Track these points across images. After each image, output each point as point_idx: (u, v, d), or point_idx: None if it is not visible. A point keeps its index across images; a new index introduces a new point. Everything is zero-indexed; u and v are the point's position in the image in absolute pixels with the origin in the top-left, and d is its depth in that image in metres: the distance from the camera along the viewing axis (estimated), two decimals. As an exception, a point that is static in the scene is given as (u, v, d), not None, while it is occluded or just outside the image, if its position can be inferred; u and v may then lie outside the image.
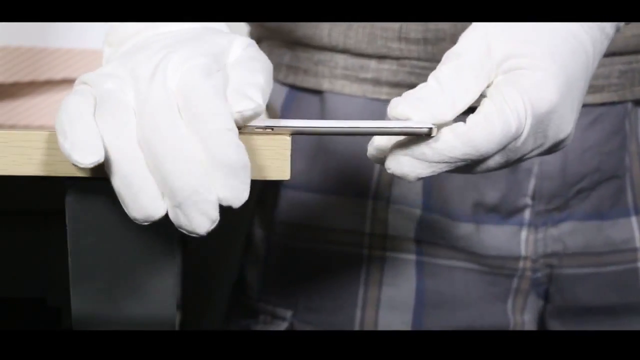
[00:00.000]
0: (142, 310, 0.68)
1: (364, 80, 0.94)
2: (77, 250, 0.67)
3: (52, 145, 0.63)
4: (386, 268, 0.95)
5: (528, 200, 0.95)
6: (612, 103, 0.94)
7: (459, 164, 0.67)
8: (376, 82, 0.94)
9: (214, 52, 0.65)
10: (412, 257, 0.96)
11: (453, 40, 0.77)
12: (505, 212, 0.95)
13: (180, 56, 0.63)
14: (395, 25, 0.92)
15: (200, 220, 0.59)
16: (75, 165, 0.59)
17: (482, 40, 0.68)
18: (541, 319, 0.97)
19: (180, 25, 0.70)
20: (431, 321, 0.95)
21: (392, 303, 0.95)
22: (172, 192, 0.59)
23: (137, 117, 0.61)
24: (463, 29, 0.71)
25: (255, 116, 0.62)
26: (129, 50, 0.68)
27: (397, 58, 0.93)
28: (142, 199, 0.60)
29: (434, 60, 0.89)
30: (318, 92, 0.97)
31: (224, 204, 0.60)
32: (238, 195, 0.60)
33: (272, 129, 0.64)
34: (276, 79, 0.98)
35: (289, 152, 0.63)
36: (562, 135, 0.70)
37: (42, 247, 0.77)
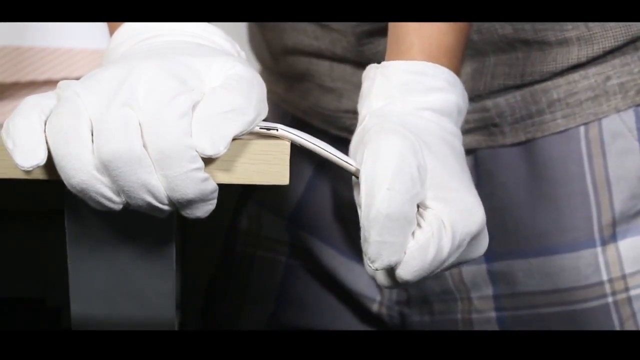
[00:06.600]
0: (141, 311, 0.69)
1: None
2: (77, 251, 0.67)
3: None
4: (255, 266, 1.03)
5: None
6: None
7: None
8: None
9: (184, 74, 0.62)
10: (283, 258, 1.02)
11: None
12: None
13: (146, 79, 0.60)
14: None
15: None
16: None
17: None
18: None
19: (168, 36, 0.68)
20: (288, 320, 1.02)
21: (258, 297, 1.03)
22: (128, 200, 0.60)
23: (95, 132, 0.59)
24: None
25: (214, 157, 0.60)
26: (111, 59, 0.67)
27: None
28: (98, 200, 0.60)
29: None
30: None
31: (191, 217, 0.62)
32: (205, 213, 0.61)
33: (277, 130, 0.64)
34: None
35: (288, 158, 0.63)
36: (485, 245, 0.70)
37: (42, 247, 0.77)
